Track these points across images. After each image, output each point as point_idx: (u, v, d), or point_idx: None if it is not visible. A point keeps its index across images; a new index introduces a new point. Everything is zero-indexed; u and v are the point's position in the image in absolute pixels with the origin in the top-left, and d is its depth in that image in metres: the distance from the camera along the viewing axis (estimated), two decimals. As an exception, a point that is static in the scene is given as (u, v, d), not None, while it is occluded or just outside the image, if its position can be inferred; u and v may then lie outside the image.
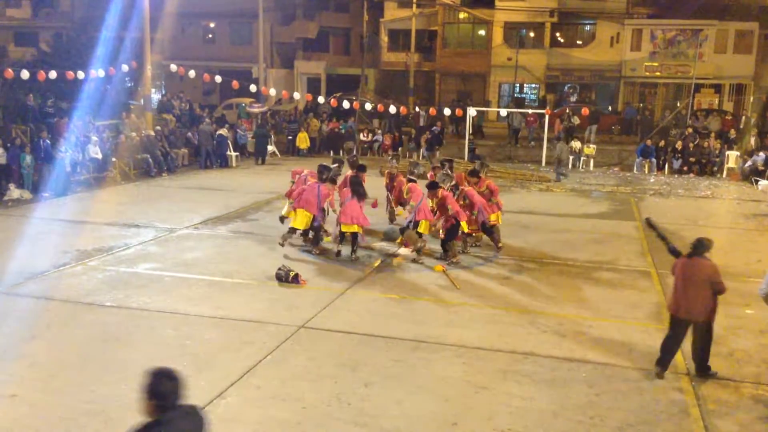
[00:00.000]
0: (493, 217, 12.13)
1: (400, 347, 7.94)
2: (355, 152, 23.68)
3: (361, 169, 12.61)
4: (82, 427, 6.07)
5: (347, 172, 12.94)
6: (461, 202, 11.81)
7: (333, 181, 12.00)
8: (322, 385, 6.95)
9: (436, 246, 11.94)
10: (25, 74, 18.69)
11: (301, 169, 13.22)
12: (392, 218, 13.96)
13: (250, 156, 24.38)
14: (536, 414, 6.47)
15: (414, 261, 11.47)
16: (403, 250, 12.12)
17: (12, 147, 17.00)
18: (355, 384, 7.00)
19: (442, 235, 11.67)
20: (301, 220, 11.62)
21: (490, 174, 16.03)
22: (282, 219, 12.72)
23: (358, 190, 11.62)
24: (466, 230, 11.68)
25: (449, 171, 13.14)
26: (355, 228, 11.35)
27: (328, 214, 12.13)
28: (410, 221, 11.61)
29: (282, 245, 11.80)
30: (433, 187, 11.63)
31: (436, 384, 7.06)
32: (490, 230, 12.22)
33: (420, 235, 11.53)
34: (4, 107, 20.38)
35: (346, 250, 11.62)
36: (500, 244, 12.21)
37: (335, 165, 12.94)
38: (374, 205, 12.98)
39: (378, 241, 12.80)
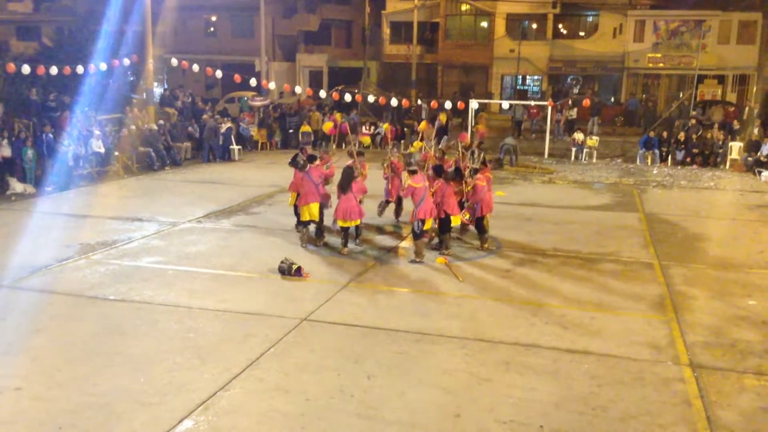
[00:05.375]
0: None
1: (402, 339, 7.96)
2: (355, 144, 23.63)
3: (360, 154, 12.47)
4: (86, 420, 6.11)
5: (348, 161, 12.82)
6: (468, 189, 11.75)
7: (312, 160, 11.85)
8: (325, 378, 6.98)
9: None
10: (26, 69, 18.69)
11: None
12: (381, 212, 13.65)
13: (257, 147, 24.46)
14: (538, 405, 6.49)
15: (413, 261, 11.13)
16: (405, 243, 12.14)
17: (16, 141, 17.03)
18: (357, 376, 7.02)
19: (466, 220, 11.79)
20: (310, 212, 11.59)
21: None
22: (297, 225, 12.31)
23: (348, 177, 11.36)
24: (457, 223, 11.67)
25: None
26: (351, 223, 11.30)
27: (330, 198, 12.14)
28: (418, 227, 11.09)
29: (304, 246, 11.71)
30: (438, 172, 11.48)
31: (438, 376, 7.08)
32: (481, 226, 11.96)
33: (425, 232, 11.38)
34: (6, 101, 20.38)
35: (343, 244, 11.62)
36: (486, 245, 11.85)
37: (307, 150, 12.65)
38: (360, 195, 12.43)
39: (377, 234, 12.81)
